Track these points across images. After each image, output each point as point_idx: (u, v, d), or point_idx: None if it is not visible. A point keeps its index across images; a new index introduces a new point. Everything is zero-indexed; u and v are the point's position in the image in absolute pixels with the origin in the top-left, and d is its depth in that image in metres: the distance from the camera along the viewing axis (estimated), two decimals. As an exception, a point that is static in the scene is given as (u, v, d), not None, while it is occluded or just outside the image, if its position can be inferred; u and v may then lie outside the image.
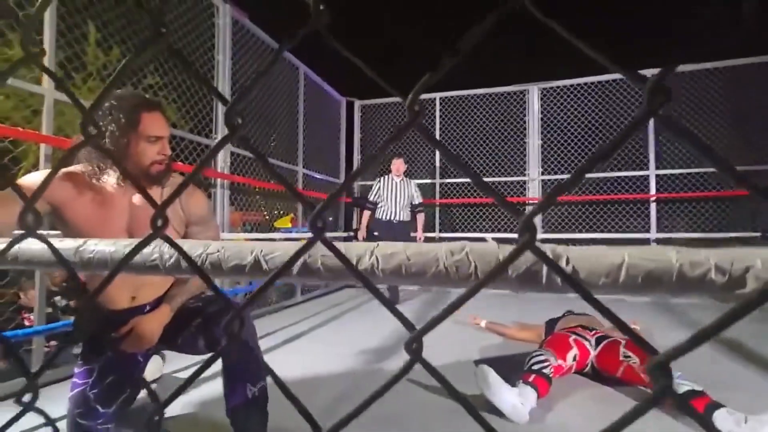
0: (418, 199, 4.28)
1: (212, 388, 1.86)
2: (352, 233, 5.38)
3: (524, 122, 5.22)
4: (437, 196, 5.50)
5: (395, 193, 4.15)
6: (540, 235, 5.07)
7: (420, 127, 0.27)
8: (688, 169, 4.54)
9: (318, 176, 4.90)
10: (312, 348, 2.63)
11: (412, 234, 4.33)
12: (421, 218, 4.38)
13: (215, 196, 3.33)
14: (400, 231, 4.13)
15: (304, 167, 4.61)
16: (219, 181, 3.36)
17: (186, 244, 0.35)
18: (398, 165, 4.17)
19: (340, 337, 2.92)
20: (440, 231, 5.48)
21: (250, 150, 0.33)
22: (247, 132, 3.68)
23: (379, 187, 4.20)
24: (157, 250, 0.35)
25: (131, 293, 1.29)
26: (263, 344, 2.78)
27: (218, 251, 0.34)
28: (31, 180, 1.08)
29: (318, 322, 3.39)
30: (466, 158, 5.46)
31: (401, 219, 4.16)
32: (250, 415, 1.19)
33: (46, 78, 2.01)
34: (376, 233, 4.18)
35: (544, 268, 0.23)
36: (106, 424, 1.23)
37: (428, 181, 5.52)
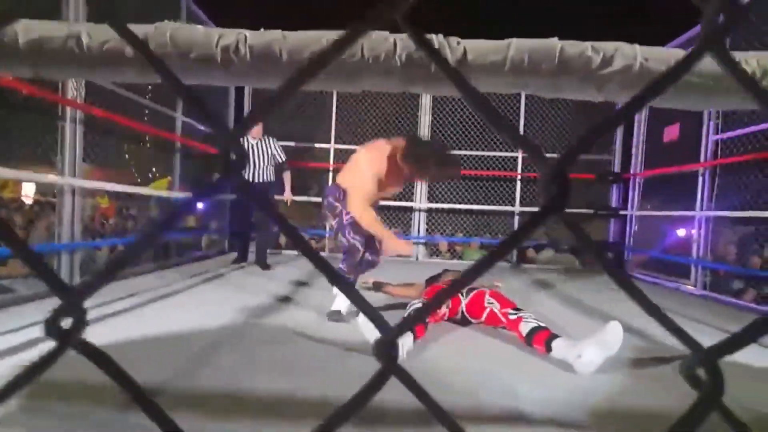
0: (282, 157, 4.15)
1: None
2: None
3: (418, 96, 5.40)
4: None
5: (254, 155, 3.96)
6: (425, 205, 5.41)
7: None
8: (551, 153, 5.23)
9: (201, 127, 4.42)
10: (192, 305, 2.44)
11: (277, 197, 4.30)
12: (287, 177, 4.31)
13: (63, 136, 2.66)
14: (261, 192, 3.95)
15: (184, 115, 4.13)
16: (69, 112, 2.69)
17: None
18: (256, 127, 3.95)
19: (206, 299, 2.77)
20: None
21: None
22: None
23: None
24: None
25: None
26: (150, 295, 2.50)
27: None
28: None
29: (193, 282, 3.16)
30: (360, 125, 5.49)
31: (263, 180, 4.02)
32: None
33: None
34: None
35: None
36: None
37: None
